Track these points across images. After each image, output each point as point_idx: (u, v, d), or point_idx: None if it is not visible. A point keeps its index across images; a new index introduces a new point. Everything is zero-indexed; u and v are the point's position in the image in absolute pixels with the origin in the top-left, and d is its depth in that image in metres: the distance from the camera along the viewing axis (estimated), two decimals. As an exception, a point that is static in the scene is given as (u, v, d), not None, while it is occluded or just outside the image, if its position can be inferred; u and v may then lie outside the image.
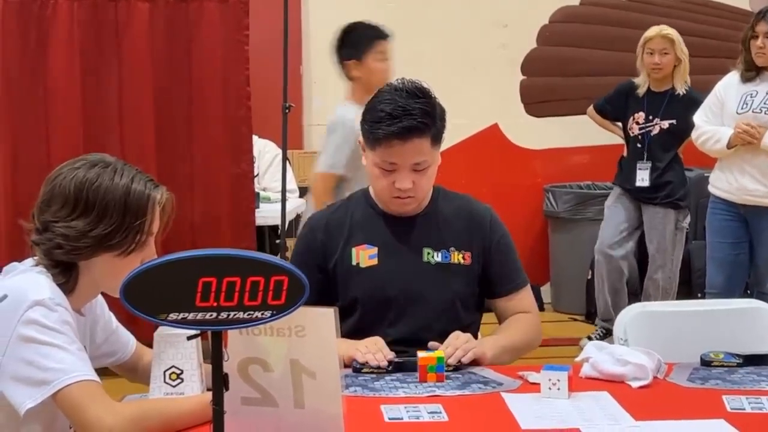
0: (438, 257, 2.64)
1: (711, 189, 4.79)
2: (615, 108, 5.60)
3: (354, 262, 2.63)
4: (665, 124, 5.37)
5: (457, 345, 2.45)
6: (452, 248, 2.65)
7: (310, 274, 2.56)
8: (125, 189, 2.09)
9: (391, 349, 2.48)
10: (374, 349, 2.43)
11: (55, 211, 2.08)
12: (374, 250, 2.63)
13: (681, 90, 5.34)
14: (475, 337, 2.66)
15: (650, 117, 5.40)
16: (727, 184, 4.67)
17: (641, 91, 5.43)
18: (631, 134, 5.48)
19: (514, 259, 2.73)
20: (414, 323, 2.61)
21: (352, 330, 2.60)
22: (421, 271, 2.62)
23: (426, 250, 2.64)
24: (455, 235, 2.66)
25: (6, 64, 4.76)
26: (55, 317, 2.02)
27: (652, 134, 5.40)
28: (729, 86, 4.68)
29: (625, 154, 5.59)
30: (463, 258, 2.65)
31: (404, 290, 2.60)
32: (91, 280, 2.14)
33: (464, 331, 2.55)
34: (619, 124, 5.62)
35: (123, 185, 2.09)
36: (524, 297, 2.73)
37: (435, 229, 2.66)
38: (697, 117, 4.79)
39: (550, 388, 2.21)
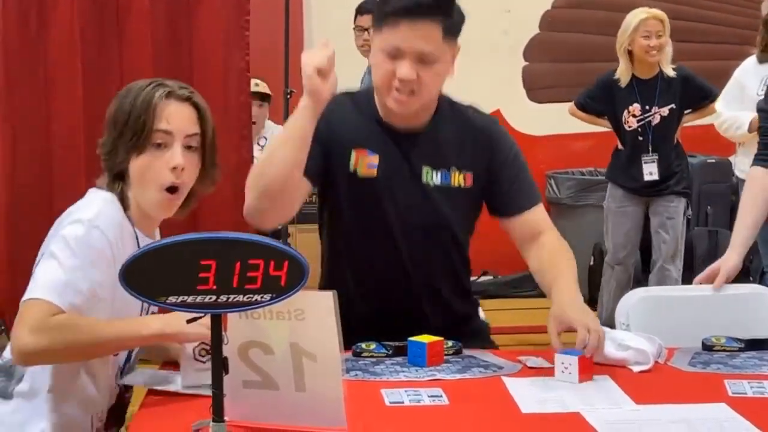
0: (437, 178, 2.52)
1: (737, 173, 4.83)
2: (599, 103, 5.38)
3: (352, 168, 2.49)
4: (665, 111, 5.19)
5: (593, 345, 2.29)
6: (453, 168, 2.53)
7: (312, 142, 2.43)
8: (134, 95, 2.21)
9: (391, 332, 2.47)
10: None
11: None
12: (375, 159, 2.49)
13: (670, 72, 5.17)
14: (463, 257, 2.66)
15: (647, 107, 5.20)
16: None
17: (625, 80, 5.21)
18: (628, 128, 5.25)
19: (525, 175, 2.60)
20: (406, 243, 2.53)
21: (343, 241, 2.58)
22: (420, 193, 2.51)
23: (425, 169, 2.51)
24: (457, 154, 2.54)
25: (6, 49, 4.75)
26: (82, 237, 2.09)
27: (653, 124, 5.21)
28: (747, 70, 4.70)
29: (619, 146, 5.38)
30: (464, 180, 2.54)
31: (399, 211, 2.50)
32: (134, 192, 2.22)
33: (455, 251, 2.61)
34: (605, 117, 5.43)
35: (135, 93, 2.21)
36: (539, 214, 2.61)
37: (437, 147, 2.52)
38: (719, 104, 4.77)
39: (562, 372, 2.22)
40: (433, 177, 2.52)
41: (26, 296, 2.04)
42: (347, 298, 2.59)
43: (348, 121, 2.52)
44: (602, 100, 5.36)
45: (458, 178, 2.54)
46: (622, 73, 5.22)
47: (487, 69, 6.59)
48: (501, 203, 2.60)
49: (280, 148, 2.36)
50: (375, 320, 2.52)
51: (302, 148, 2.33)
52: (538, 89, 6.79)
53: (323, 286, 2.62)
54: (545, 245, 2.58)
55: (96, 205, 2.18)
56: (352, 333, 2.49)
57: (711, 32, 6.52)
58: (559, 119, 6.64)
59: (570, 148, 6.76)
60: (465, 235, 2.66)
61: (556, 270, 2.51)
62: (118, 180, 2.22)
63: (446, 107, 2.60)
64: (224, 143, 4.97)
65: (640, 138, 5.25)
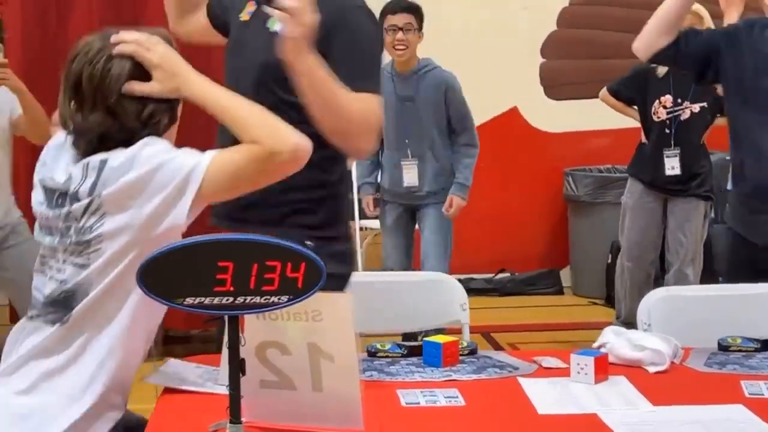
0: (278, 27, 2.44)
1: None
2: (632, 91, 5.32)
3: (242, 18, 2.61)
4: (696, 107, 5.13)
5: None
6: None
7: None
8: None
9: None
10: None
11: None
12: (253, 7, 2.60)
13: None
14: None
15: (679, 100, 5.12)
16: None
17: (662, 70, 5.14)
18: (657, 119, 5.19)
19: (354, 61, 2.46)
20: (246, 87, 2.43)
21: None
22: (261, 37, 2.50)
23: (272, 19, 2.45)
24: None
25: (26, 49, 4.78)
26: (168, 143, 2.05)
27: (681, 119, 5.14)
28: None
29: (644, 140, 5.32)
30: None
31: (247, 49, 2.58)
32: None
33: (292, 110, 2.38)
34: (635, 107, 5.39)
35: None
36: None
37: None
38: None
39: (578, 372, 2.22)
40: (275, 24, 2.42)
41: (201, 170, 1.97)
42: None
43: None
44: (635, 87, 5.30)
45: None
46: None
47: (504, 66, 6.59)
48: None
49: None
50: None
51: None
52: (555, 86, 6.78)
53: None
54: None
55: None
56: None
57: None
58: (576, 116, 6.64)
59: (588, 145, 6.75)
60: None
61: None
62: None
63: None
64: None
65: (667, 131, 5.19)
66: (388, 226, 5.04)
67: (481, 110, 6.68)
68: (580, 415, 2.03)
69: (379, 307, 2.93)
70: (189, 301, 1.71)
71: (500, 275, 6.66)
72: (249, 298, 1.71)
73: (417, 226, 5.05)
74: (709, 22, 5.06)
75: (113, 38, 2.07)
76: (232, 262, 1.70)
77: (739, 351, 2.44)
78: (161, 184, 1.97)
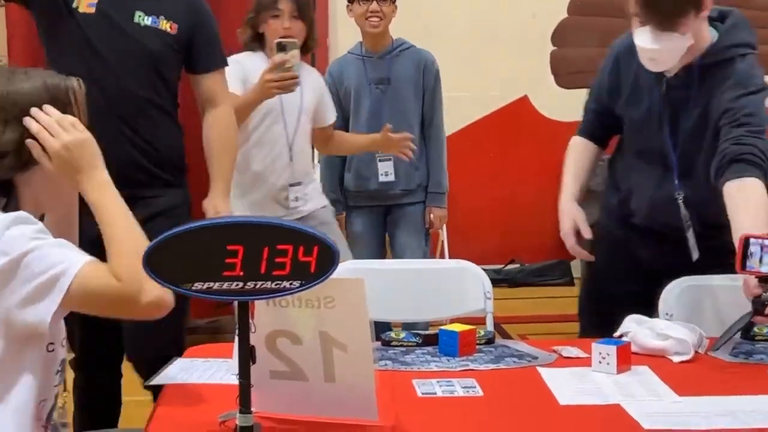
0: (148, 20, 2.84)
1: None
2: None
3: (74, 5, 2.76)
4: None
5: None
6: (162, 16, 2.85)
7: None
8: (43, 85, 1.91)
9: None
10: None
11: None
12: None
13: None
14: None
15: None
16: None
17: None
18: None
19: (216, 41, 2.97)
20: (115, 76, 2.80)
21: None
22: (128, 30, 2.81)
23: (138, 13, 2.82)
24: (167, 6, 2.87)
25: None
26: (38, 227, 1.81)
27: None
28: None
29: None
30: (170, 27, 2.86)
31: (107, 47, 2.78)
32: (32, 200, 1.91)
33: (164, 96, 2.88)
34: None
35: (41, 83, 1.91)
36: (217, 81, 3.00)
37: None
38: None
39: (600, 362, 2.16)
40: (144, 19, 2.84)
41: (69, 277, 1.75)
42: None
43: None
44: None
45: (165, 25, 2.87)
46: None
47: (514, 54, 6.51)
48: (189, 60, 2.96)
49: None
50: None
51: None
52: (566, 75, 6.70)
53: None
54: (213, 126, 3.01)
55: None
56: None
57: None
58: (587, 105, 6.56)
59: (599, 134, 6.67)
60: (174, 72, 2.94)
61: (217, 162, 3.00)
62: (7, 189, 1.88)
63: None
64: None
65: None
66: (357, 234, 4.30)
67: (491, 99, 6.62)
68: (603, 405, 1.96)
69: (402, 296, 2.88)
70: (197, 286, 1.64)
71: (510, 266, 6.60)
72: (259, 283, 1.64)
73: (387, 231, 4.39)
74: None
75: (31, 110, 1.87)
76: (242, 246, 1.63)
77: (765, 340, 2.39)
78: (32, 272, 1.74)
